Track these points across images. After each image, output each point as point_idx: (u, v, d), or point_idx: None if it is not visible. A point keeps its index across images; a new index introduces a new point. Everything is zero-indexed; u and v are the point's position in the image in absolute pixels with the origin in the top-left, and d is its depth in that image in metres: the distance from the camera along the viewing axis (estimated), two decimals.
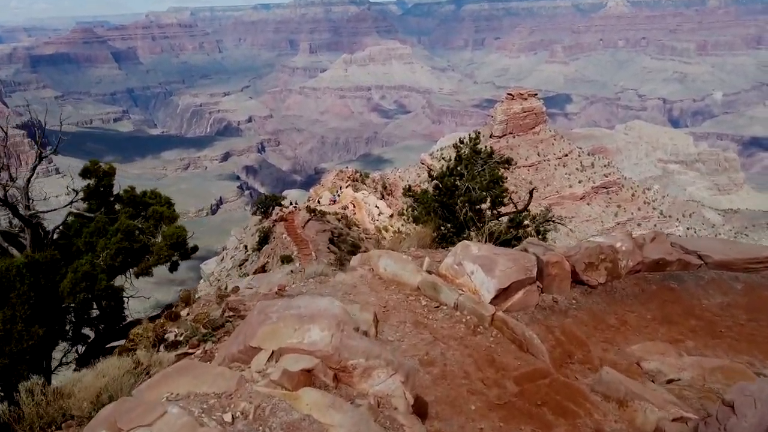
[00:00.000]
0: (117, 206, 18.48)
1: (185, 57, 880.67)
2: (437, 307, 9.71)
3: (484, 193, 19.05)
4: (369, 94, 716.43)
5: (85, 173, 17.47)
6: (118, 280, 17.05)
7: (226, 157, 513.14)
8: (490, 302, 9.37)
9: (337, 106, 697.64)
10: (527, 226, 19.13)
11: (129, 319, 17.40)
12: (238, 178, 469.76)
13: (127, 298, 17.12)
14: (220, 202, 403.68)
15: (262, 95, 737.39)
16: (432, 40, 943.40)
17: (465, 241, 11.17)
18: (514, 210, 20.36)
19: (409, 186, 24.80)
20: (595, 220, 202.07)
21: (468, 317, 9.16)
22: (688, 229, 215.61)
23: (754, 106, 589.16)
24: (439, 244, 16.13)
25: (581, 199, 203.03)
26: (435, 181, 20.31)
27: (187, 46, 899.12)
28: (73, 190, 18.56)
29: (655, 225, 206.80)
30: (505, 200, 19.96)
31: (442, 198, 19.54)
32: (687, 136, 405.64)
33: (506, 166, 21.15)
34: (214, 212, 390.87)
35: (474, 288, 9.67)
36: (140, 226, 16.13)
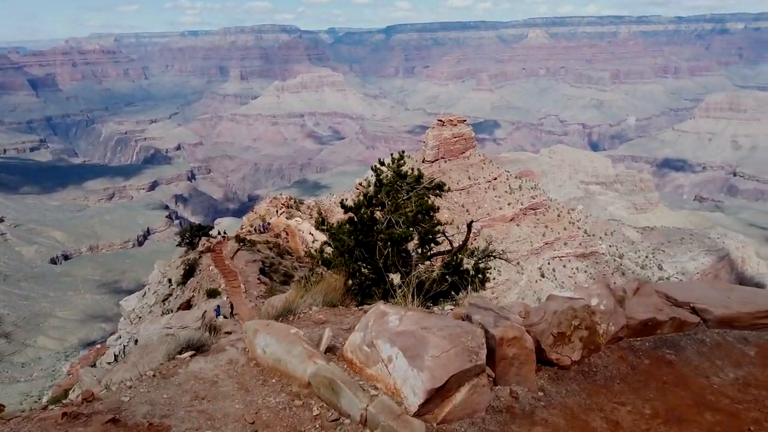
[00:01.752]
0: None
1: (108, 84, 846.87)
2: (336, 420, 6.48)
3: (411, 229, 15.29)
4: (302, 120, 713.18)
5: None
6: None
7: (153, 186, 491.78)
8: (419, 410, 6.24)
9: (270, 132, 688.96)
10: (466, 270, 15.44)
11: None
12: (167, 207, 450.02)
13: None
14: (148, 232, 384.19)
15: (191, 122, 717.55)
16: (363, 68, 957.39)
17: (380, 305, 7.61)
18: (449, 249, 16.55)
19: (323, 218, 18.99)
20: (524, 241, 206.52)
21: None
22: (610, 246, 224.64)
23: (664, 130, 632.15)
24: (355, 297, 12.62)
25: (511, 220, 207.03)
26: (349, 214, 15.88)
27: (110, 73, 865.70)
28: None
29: (580, 244, 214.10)
30: (438, 237, 16.03)
31: (358, 235, 15.27)
32: (606, 159, 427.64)
33: (438, 192, 17.04)
34: (141, 243, 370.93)
35: (393, 386, 6.56)
36: None
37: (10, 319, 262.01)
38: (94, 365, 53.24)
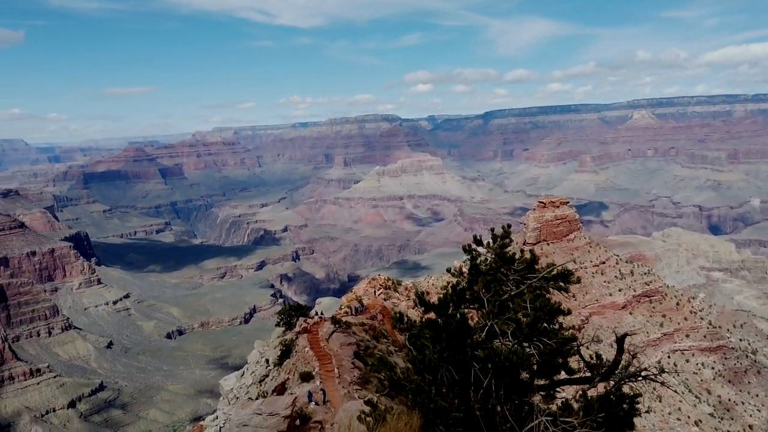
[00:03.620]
0: None
1: (227, 172, 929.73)
2: None
3: (526, 346, 9.88)
4: (401, 203, 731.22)
5: None
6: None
7: (261, 265, 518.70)
8: None
9: (370, 215, 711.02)
10: (621, 410, 9.53)
11: None
12: (272, 286, 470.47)
13: None
14: (254, 310, 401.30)
15: (298, 206, 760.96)
16: (462, 152, 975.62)
17: None
18: (583, 376, 10.53)
19: (400, 314, 12.30)
20: (639, 331, 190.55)
21: None
22: (740, 340, 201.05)
23: None
24: None
25: (623, 308, 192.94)
26: (430, 314, 10.93)
27: (229, 162, 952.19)
28: None
29: (704, 336, 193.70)
30: (570, 359, 10.42)
31: (442, 347, 9.94)
32: (728, 243, 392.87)
33: (562, 285, 11.47)
34: (247, 321, 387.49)
35: None
36: None
37: (127, 390, 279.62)
38: None
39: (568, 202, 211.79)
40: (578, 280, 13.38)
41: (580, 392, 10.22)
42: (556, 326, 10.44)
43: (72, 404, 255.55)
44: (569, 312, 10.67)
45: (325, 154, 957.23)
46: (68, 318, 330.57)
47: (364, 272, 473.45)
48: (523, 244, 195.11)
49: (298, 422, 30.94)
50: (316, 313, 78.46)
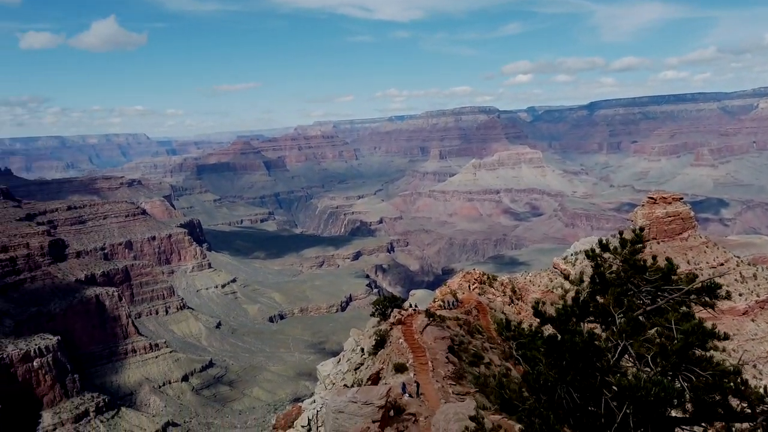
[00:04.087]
0: None
1: (326, 164, 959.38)
2: None
3: (671, 378, 7.86)
4: (498, 197, 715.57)
5: None
6: None
7: (357, 256, 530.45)
8: None
9: (466, 208, 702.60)
10: None
11: None
12: (367, 276, 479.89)
13: None
14: (350, 299, 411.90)
15: (393, 198, 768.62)
16: (563, 145, 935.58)
17: None
18: (745, 413, 8.22)
19: (507, 320, 11.38)
20: (762, 339, 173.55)
21: None
22: None
23: None
24: None
25: (744, 314, 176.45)
26: (548, 326, 9.43)
27: (328, 155, 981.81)
28: None
29: None
30: (730, 395, 8.22)
31: (563, 366, 8.14)
32: None
33: (707, 299, 9.26)
34: (343, 309, 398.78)
35: None
36: None
37: (234, 368, 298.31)
38: (291, 425, 56.25)
39: (681, 198, 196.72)
40: (728, 295, 10.72)
41: (722, 425, 8.27)
42: (711, 359, 8.26)
43: (185, 378, 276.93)
44: (726, 337, 8.41)
45: (421, 147, 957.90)
46: (183, 298, 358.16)
47: (458, 266, 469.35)
48: None
49: (392, 413, 31.11)
50: (410, 305, 78.45)
